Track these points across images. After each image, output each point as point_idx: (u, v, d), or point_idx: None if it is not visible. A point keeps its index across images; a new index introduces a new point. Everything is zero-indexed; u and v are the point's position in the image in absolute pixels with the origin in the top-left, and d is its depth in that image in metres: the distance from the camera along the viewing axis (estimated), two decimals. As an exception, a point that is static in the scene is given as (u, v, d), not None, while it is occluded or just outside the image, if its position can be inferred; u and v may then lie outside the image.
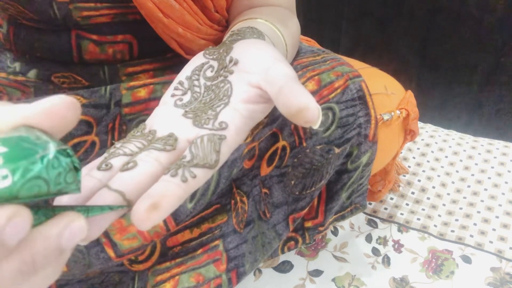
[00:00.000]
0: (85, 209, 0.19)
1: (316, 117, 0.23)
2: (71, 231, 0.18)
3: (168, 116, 0.27)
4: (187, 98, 0.28)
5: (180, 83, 0.29)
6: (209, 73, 0.29)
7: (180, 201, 0.21)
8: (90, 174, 0.23)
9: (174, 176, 0.22)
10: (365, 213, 0.73)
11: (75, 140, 0.40)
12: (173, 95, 0.29)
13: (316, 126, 0.23)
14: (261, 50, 0.28)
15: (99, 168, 0.23)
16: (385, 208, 0.74)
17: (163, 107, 0.28)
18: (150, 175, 0.22)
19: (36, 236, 0.17)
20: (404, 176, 0.80)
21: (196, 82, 0.29)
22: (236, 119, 0.25)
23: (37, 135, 0.17)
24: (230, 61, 0.28)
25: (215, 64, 0.29)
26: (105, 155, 0.24)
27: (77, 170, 0.18)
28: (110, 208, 0.20)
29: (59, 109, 0.18)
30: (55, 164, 0.17)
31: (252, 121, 0.26)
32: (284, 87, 0.24)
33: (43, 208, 0.18)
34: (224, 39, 0.35)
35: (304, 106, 0.22)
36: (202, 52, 0.31)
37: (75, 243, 0.18)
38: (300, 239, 0.55)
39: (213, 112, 0.26)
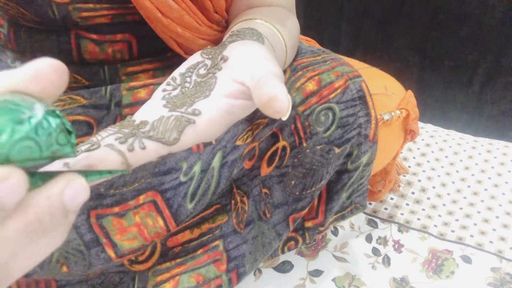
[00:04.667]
0: (83, 173, 0.19)
1: (286, 107, 0.22)
2: (72, 189, 0.17)
3: (151, 107, 0.27)
4: (175, 92, 0.28)
5: (173, 78, 0.29)
6: (202, 71, 0.29)
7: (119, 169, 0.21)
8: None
9: (122, 143, 0.22)
10: (365, 213, 0.73)
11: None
12: (164, 90, 0.29)
13: (285, 118, 0.23)
14: (251, 50, 0.29)
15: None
16: (385, 208, 0.74)
17: (151, 101, 0.28)
18: None
19: (38, 196, 0.17)
20: (404, 176, 0.80)
21: (188, 79, 0.29)
22: (212, 110, 0.25)
23: (23, 98, 0.17)
24: (221, 58, 0.29)
25: (209, 63, 0.30)
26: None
27: (69, 132, 0.18)
28: (110, 172, 0.20)
29: (46, 73, 0.18)
30: (44, 124, 0.17)
31: (230, 115, 0.26)
32: (260, 79, 0.24)
33: (39, 174, 0.18)
34: (224, 39, 0.35)
35: (273, 96, 0.22)
36: (199, 52, 0.31)
37: (79, 203, 0.18)
38: (300, 239, 0.55)
39: (190, 101, 0.26)
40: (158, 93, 0.29)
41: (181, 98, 0.27)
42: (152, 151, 0.22)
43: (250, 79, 0.25)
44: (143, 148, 0.22)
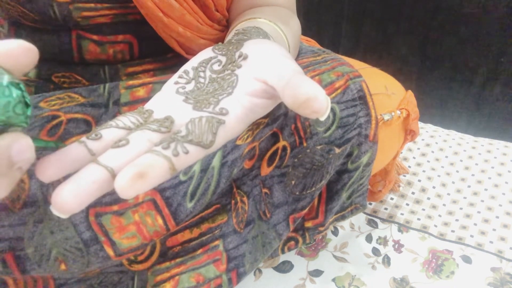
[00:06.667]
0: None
1: (325, 107, 0.22)
2: (19, 145, 0.19)
3: (167, 100, 0.27)
4: (190, 87, 0.28)
5: (185, 72, 0.29)
6: (216, 67, 0.29)
7: (167, 175, 0.21)
8: (78, 140, 0.23)
9: (166, 149, 0.21)
10: (365, 213, 0.73)
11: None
12: (176, 83, 0.29)
13: (323, 118, 0.23)
14: (270, 48, 0.28)
15: (88, 137, 0.23)
16: (385, 208, 0.74)
17: (163, 93, 0.28)
18: (141, 154, 0.22)
19: None
20: (404, 176, 0.80)
21: (201, 73, 0.29)
22: (238, 108, 0.25)
23: None
24: (240, 56, 0.29)
25: (223, 59, 0.30)
26: (95, 129, 0.25)
27: (27, 105, 0.20)
28: (45, 142, 0.23)
29: (15, 53, 0.20)
30: (6, 92, 0.19)
31: (252, 114, 0.26)
32: (292, 79, 0.24)
33: None
34: (229, 37, 0.35)
35: (312, 95, 0.22)
36: (210, 48, 0.31)
37: (25, 159, 0.19)
38: (300, 239, 0.55)
39: (214, 99, 0.26)
40: (170, 86, 0.29)
41: (201, 94, 0.27)
42: (193, 155, 0.22)
43: (276, 78, 0.25)
44: (186, 152, 0.22)
